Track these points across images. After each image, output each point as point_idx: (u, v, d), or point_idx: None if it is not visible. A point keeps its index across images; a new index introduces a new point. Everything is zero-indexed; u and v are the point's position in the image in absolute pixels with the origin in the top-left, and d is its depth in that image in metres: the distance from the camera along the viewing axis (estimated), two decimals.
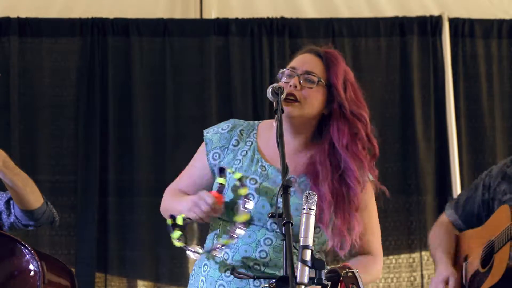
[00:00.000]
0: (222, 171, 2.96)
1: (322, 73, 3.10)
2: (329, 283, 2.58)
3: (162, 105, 5.49)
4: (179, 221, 2.88)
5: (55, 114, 5.45)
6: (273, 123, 2.92)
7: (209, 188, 3.01)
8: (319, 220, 2.89)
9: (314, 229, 2.56)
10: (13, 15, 5.42)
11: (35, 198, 3.45)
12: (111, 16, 5.50)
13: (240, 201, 2.89)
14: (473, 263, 4.00)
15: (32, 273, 3.05)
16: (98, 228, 5.34)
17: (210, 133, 3.11)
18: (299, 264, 2.45)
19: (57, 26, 5.49)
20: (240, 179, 2.92)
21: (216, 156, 3.07)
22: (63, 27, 5.49)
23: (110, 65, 5.49)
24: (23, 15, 5.44)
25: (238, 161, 3.03)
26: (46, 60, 5.48)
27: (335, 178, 2.99)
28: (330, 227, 2.96)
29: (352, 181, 2.99)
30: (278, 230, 2.83)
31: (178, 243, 2.88)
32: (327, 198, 2.95)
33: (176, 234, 2.88)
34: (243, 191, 2.91)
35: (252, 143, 3.07)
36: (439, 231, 4.18)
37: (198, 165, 3.11)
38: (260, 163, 3.03)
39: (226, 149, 3.07)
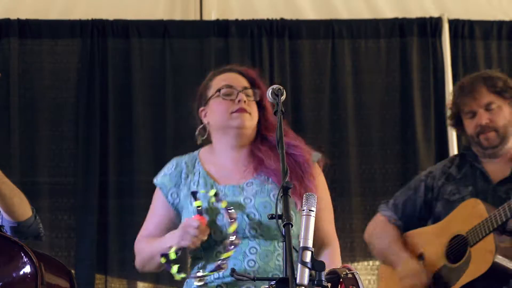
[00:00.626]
0: (194, 195, 3.11)
1: (250, 87, 3.29)
2: (329, 284, 2.59)
3: (162, 107, 5.49)
4: (172, 256, 3.04)
5: (55, 116, 5.45)
6: (210, 148, 3.24)
7: (176, 227, 3.15)
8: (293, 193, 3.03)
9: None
10: (13, 16, 5.42)
11: (22, 210, 3.36)
12: (111, 17, 5.50)
13: (223, 213, 2.99)
14: (433, 260, 4.01)
15: (29, 274, 3.04)
16: (98, 230, 5.33)
17: (159, 179, 3.27)
18: (299, 265, 2.45)
19: (57, 28, 5.49)
20: (215, 195, 3.07)
21: (174, 195, 3.21)
22: (63, 28, 5.49)
23: (110, 67, 5.49)
24: (23, 16, 5.44)
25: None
26: (46, 61, 5.48)
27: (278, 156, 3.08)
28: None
29: (297, 151, 3.17)
30: (254, 234, 3.03)
31: (179, 276, 3.04)
32: (278, 170, 3.05)
33: (175, 268, 3.04)
34: (223, 205, 3.05)
35: (199, 171, 3.21)
36: (382, 230, 4.19)
37: (160, 210, 3.26)
38: (214, 187, 3.16)
39: (180, 185, 3.20)
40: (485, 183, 4.05)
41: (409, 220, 4.16)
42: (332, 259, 3.18)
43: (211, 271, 3.04)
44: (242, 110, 3.17)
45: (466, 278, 3.86)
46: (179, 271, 3.04)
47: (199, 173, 3.20)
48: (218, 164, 3.22)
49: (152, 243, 3.21)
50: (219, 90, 3.23)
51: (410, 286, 4.00)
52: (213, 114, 3.25)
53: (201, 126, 3.34)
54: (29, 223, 3.41)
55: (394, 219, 4.17)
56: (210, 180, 3.17)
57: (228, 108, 3.19)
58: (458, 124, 4.19)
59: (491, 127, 4.05)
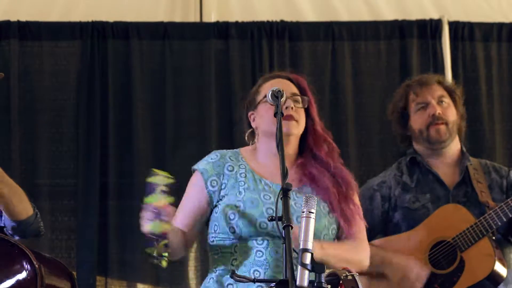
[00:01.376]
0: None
1: (300, 94, 3.32)
2: (329, 286, 2.59)
3: (162, 109, 5.49)
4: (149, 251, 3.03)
5: (55, 118, 5.45)
6: (251, 149, 3.27)
7: (205, 219, 3.20)
8: (332, 210, 3.18)
9: (330, 224, 3.07)
10: (13, 18, 5.43)
11: (22, 208, 3.35)
12: (111, 19, 5.51)
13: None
14: (416, 267, 3.96)
15: (29, 276, 3.04)
16: (98, 232, 5.33)
17: (201, 165, 3.24)
18: (299, 267, 2.46)
19: (57, 30, 5.49)
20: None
21: (214, 183, 3.19)
22: (63, 30, 5.49)
23: (110, 69, 5.49)
24: (23, 18, 5.44)
25: (243, 183, 3.17)
26: (46, 63, 5.48)
27: (327, 176, 3.23)
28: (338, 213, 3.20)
29: (342, 175, 3.27)
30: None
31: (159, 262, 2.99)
32: (330, 189, 3.19)
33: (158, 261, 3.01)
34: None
35: (245, 166, 3.22)
36: None
37: (196, 196, 3.23)
38: (263, 182, 3.17)
39: (222, 176, 3.19)
40: (441, 188, 4.08)
41: (368, 231, 4.09)
42: (359, 249, 3.25)
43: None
44: (289, 118, 3.19)
45: (464, 283, 3.85)
46: (157, 259, 3.01)
47: (245, 167, 3.21)
48: (262, 165, 3.24)
49: None
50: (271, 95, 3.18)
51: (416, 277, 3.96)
52: (261, 118, 3.26)
53: (249, 130, 3.34)
54: (30, 222, 3.40)
55: None
56: (257, 175, 3.19)
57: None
58: (402, 122, 4.19)
59: (443, 119, 4.10)
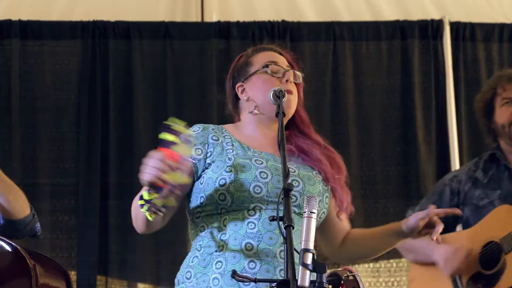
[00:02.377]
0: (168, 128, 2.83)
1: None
2: (330, 286, 2.59)
3: (163, 108, 5.50)
4: (145, 196, 2.71)
5: (56, 117, 5.45)
6: (236, 125, 3.15)
7: (189, 190, 2.98)
8: (326, 180, 3.06)
9: (324, 191, 2.96)
10: (14, 17, 5.43)
11: (19, 207, 3.34)
12: (112, 19, 5.51)
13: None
14: (467, 266, 3.96)
15: (23, 276, 3.03)
16: (99, 231, 5.34)
17: None
18: (300, 267, 2.46)
19: (59, 29, 5.50)
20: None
21: (199, 152, 3.01)
22: (64, 30, 5.50)
23: (111, 68, 5.49)
24: (24, 17, 5.44)
25: (231, 150, 3.01)
26: (47, 63, 5.48)
27: (319, 150, 3.13)
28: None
29: (333, 157, 3.15)
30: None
31: (150, 216, 2.72)
32: (323, 161, 3.09)
33: (144, 207, 2.71)
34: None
35: (231, 138, 3.07)
36: None
37: None
38: (252, 150, 3.03)
39: (207, 144, 3.03)
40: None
41: None
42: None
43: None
44: (290, 92, 3.06)
45: (501, 286, 3.82)
46: (149, 210, 2.68)
47: (230, 138, 3.06)
48: (248, 136, 3.09)
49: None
50: (266, 66, 3.10)
51: (457, 262, 3.94)
52: (257, 90, 3.09)
53: (234, 105, 3.18)
54: (26, 222, 3.39)
55: None
56: (244, 145, 3.04)
57: (274, 85, 3.04)
58: (486, 114, 4.14)
59: None
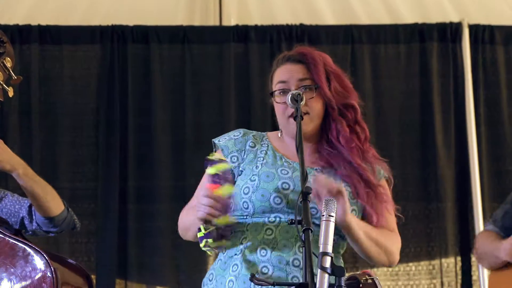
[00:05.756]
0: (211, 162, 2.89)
1: (310, 77, 3.10)
2: None
3: (181, 112, 5.51)
4: (202, 230, 2.85)
5: (75, 122, 5.47)
6: (278, 134, 3.07)
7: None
8: (356, 195, 2.96)
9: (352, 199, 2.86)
10: (34, 23, 5.45)
11: (55, 205, 3.46)
12: (131, 23, 5.52)
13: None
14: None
15: (46, 279, 3.05)
16: (118, 235, 5.35)
17: (222, 140, 3.11)
18: (319, 271, 2.45)
19: (77, 34, 5.52)
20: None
21: (234, 159, 3.05)
22: (83, 34, 5.52)
23: (130, 72, 5.51)
24: (43, 22, 5.47)
25: (261, 158, 3.03)
26: (67, 67, 5.50)
27: (345, 165, 3.03)
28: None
29: (361, 170, 3.03)
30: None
31: (207, 249, 2.88)
32: (351, 175, 2.99)
33: (202, 243, 2.86)
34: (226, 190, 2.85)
35: (268, 146, 3.08)
36: (485, 238, 4.15)
37: None
38: (283, 160, 3.03)
39: (243, 151, 3.05)
40: None
41: (510, 233, 4.05)
42: (392, 238, 3.03)
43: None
44: (304, 115, 2.98)
45: None
46: (205, 245, 2.85)
47: (267, 146, 3.06)
48: (286, 145, 3.06)
49: (188, 213, 3.01)
50: (275, 90, 3.06)
51: None
52: (276, 113, 3.08)
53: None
54: (63, 216, 3.48)
55: (495, 231, 4.11)
56: (279, 154, 3.04)
57: (284, 111, 3.03)
58: None
59: None
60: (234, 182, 3.00)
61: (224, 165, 2.88)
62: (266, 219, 2.93)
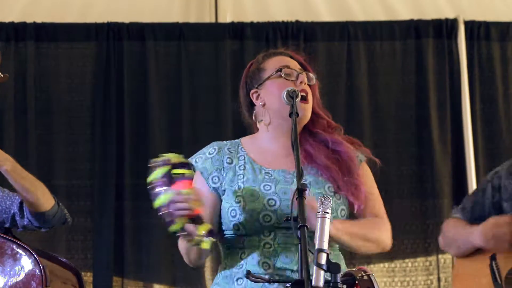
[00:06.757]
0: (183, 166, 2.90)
1: (306, 69, 3.16)
2: (345, 286, 2.58)
3: (177, 109, 5.51)
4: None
5: (71, 119, 5.47)
6: (252, 137, 3.11)
7: (218, 211, 3.02)
8: (337, 189, 2.99)
9: (338, 205, 2.89)
10: (29, 20, 5.45)
11: (45, 200, 3.45)
12: (126, 20, 5.52)
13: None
14: (506, 262, 3.96)
15: (34, 277, 3.05)
16: (114, 232, 5.35)
17: (199, 161, 3.10)
18: (315, 267, 2.46)
19: (73, 31, 5.52)
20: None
21: (215, 180, 3.04)
22: (79, 32, 5.52)
23: (126, 70, 5.51)
24: (39, 20, 5.47)
25: (241, 175, 3.03)
26: (62, 64, 5.50)
27: (325, 152, 3.06)
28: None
29: (342, 149, 3.07)
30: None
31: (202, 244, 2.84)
32: (331, 166, 3.01)
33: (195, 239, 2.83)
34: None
35: (244, 157, 3.07)
36: (451, 225, 4.14)
37: (201, 190, 2.99)
38: (263, 171, 3.03)
39: (222, 169, 3.05)
40: None
41: (478, 223, 4.02)
42: (378, 226, 3.07)
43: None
44: (305, 101, 3.03)
45: None
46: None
47: (244, 157, 3.06)
48: (264, 150, 3.07)
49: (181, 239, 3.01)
50: (279, 70, 3.08)
51: (504, 234, 3.92)
52: (272, 94, 3.07)
53: (249, 112, 3.15)
54: (54, 211, 3.48)
55: (463, 220, 4.09)
56: (257, 164, 3.03)
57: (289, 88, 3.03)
58: None
59: None
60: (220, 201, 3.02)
61: (165, 168, 2.94)
62: (261, 235, 2.95)
